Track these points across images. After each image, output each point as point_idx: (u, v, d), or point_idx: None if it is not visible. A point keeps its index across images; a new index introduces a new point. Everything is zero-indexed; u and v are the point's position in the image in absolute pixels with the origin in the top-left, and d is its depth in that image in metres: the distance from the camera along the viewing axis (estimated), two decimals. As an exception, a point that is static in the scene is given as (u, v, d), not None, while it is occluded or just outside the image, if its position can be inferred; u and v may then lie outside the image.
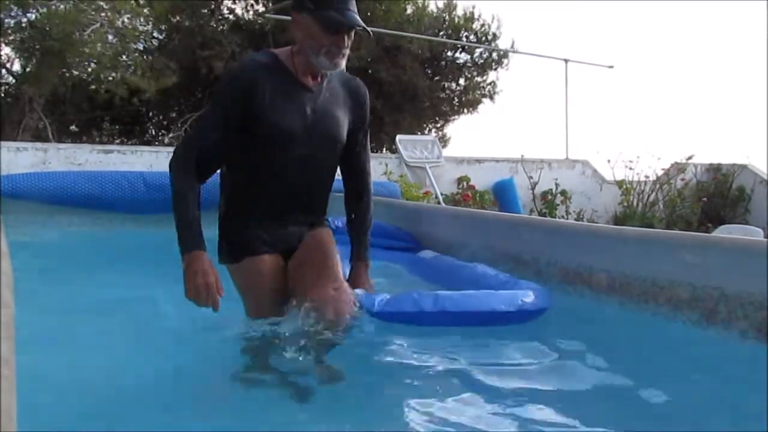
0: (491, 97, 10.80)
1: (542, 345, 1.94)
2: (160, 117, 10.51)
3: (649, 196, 7.39)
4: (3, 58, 7.94)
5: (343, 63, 1.98)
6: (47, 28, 6.89)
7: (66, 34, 6.74)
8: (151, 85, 7.61)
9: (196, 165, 1.98)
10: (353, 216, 2.22)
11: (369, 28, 2.03)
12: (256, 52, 2.19)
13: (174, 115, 10.12)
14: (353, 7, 1.95)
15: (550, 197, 6.97)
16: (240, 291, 2.06)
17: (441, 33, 10.31)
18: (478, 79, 10.79)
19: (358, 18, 1.94)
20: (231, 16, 9.65)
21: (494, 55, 10.51)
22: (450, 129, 11.78)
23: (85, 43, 7.13)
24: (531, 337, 2.00)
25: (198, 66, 8.74)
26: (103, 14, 7.24)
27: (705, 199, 7.89)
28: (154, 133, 10.60)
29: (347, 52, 1.97)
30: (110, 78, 7.74)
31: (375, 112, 10.02)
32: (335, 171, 2.19)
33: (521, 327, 2.05)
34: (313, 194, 2.13)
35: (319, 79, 2.04)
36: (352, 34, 1.97)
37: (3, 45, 7.55)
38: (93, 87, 8.12)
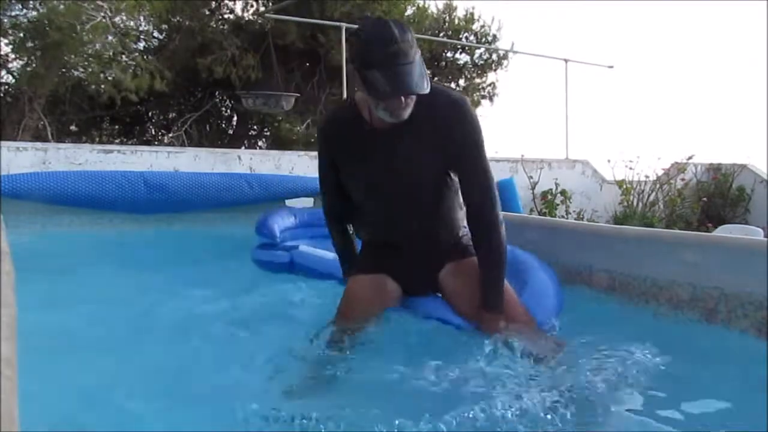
0: (490, 99, 10.80)
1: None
2: (160, 117, 10.50)
3: (649, 195, 7.39)
4: (3, 57, 7.93)
5: (407, 113, 1.75)
6: (46, 27, 6.89)
7: (66, 27, 6.73)
8: (142, 85, 7.59)
9: (335, 209, 2.16)
10: (479, 254, 1.93)
11: (417, 89, 1.67)
12: (340, 104, 2.25)
13: (174, 115, 10.11)
14: (405, 57, 1.63)
15: (550, 197, 6.96)
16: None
17: (441, 34, 10.31)
18: (478, 80, 10.78)
19: (412, 75, 1.64)
20: (231, 16, 9.65)
21: (494, 56, 10.50)
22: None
23: (85, 42, 7.13)
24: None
25: (198, 66, 8.74)
26: (102, 13, 7.24)
27: (705, 198, 7.89)
28: (153, 133, 10.59)
29: (411, 102, 1.74)
30: (110, 78, 7.74)
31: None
32: (442, 196, 1.97)
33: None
34: (421, 225, 1.99)
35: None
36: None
37: (3, 44, 7.55)
38: (93, 87, 8.11)
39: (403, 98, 1.70)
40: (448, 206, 1.99)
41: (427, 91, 1.70)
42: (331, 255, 2.52)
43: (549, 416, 1.43)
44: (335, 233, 2.19)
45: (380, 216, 2.02)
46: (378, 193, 1.96)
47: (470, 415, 1.40)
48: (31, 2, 7.09)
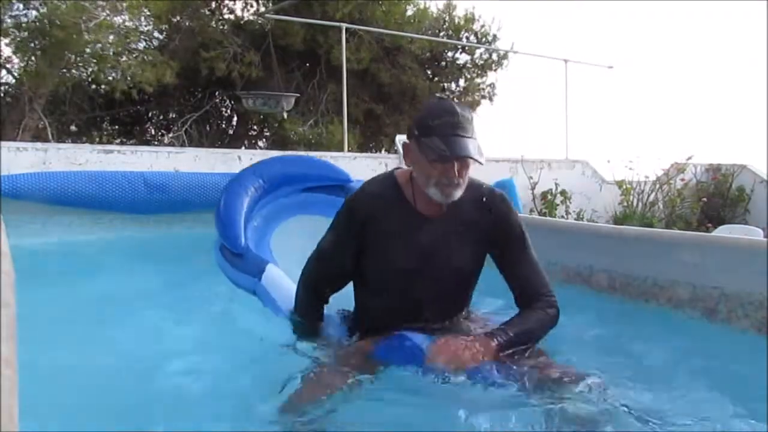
0: (490, 99, 10.80)
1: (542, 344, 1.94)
2: (160, 117, 10.51)
3: (648, 196, 7.40)
4: (3, 57, 7.94)
5: (458, 194, 1.77)
6: (48, 27, 6.89)
7: (69, 26, 6.73)
8: (150, 79, 7.59)
9: (321, 286, 1.94)
10: (533, 308, 1.82)
11: (475, 156, 1.71)
12: (376, 177, 1.95)
13: (174, 115, 10.11)
14: (464, 131, 1.70)
15: (550, 197, 6.96)
16: None
17: (441, 34, 10.31)
18: (478, 80, 10.79)
19: (469, 145, 1.69)
20: (231, 17, 9.65)
21: (494, 56, 10.51)
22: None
23: (87, 42, 7.13)
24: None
25: (199, 66, 8.74)
26: (104, 12, 7.24)
27: (705, 199, 7.90)
28: (153, 133, 10.60)
29: (462, 182, 1.76)
30: (110, 78, 7.74)
31: (374, 112, 10.03)
32: (471, 284, 1.95)
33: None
34: (441, 308, 1.90)
35: (444, 207, 1.82)
36: (469, 161, 1.74)
37: (3, 45, 7.55)
38: (94, 87, 8.12)
39: (457, 171, 1.72)
40: (470, 293, 1.99)
41: (483, 163, 1.75)
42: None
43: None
44: (308, 305, 1.96)
45: (399, 300, 1.86)
46: (409, 278, 1.83)
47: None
48: (32, 2, 7.08)
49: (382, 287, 1.87)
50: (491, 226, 1.87)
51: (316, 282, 1.94)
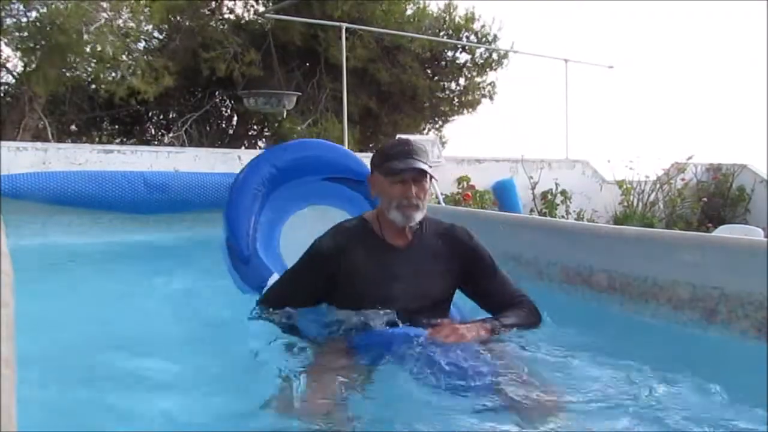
0: (491, 98, 10.80)
1: (542, 344, 1.94)
2: (160, 117, 10.51)
3: (649, 196, 7.40)
4: (3, 57, 7.94)
5: (418, 216, 1.93)
6: (48, 28, 6.89)
7: (71, 27, 6.73)
8: (150, 88, 7.60)
9: (281, 307, 1.96)
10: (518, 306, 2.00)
11: (430, 170, 1.92)
12: (346, 219, 2.12)
13: (174, 115, 10.12)
14: (416, 155, 1.91)
15: (550, 197, 6.97)
16: None
17: (441, 33, 10.31)
18: (478, 79, 10.79)
19: (421, 163, 1.89)
20: (231, 16, 9.66)
21: (494, 55, 10.51)
22: (449, 129, 11.79)
23: (87, 43, 7.13)
24: (533, 337, 1.99)
25: (199, 67, 8.74)
26: (104, 13, 7.24)
27: (705, 199, 7.90)
28: (153, 132, 10.60)
29: (420, 203, 1.92)
30: (110, 78, 7.74)
31: (374, 111, 10.03)
32: (443, 307, 2.03)
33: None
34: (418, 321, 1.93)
35: (410, 236, 1.98)
36: (424, 183, 1.92)
37: (3, 44, 7.55)
38: (94, 88, 8.12)
39: (415, 192, 1.89)
40: (445, 315, 2.03)
41: (436, 176, 1.98)
42: None
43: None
44: (278, 321, 1.95)
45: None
46: (381, 305, 1.89)
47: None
48: (33, 2, 7.08)
49: (356, 310, 1.91)
50: (462, 261, 2.01)
51: (275, 306, 1.97)
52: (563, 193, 7.01)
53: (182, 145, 8.83)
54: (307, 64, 9.80)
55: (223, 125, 10.80)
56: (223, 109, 10.65)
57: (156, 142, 10.12)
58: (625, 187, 7.32)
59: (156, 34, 9.12)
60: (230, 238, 2.44)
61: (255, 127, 10.90)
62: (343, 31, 7.18)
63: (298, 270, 1.99)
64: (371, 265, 1.93)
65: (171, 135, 9.44)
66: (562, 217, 6.87)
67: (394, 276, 1.92)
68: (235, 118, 10.74)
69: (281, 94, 7.64)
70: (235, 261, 2.43)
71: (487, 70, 10.70)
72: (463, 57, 10.70)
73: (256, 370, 1.76)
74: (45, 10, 7.04)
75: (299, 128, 9.18)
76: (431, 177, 1.94)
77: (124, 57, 7.83)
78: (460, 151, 13.29)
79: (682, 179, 7.78)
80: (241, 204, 2.49)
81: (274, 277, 2.33)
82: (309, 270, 1.96)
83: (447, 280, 2.00)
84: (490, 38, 10.32)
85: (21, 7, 7.04)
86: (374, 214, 2.02)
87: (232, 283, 2.51)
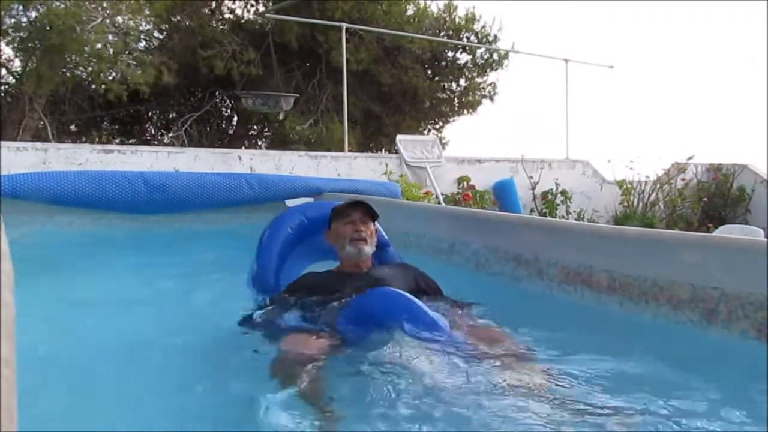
0: (491, 98, 10.80)
1: (542, 343, 1.94)
2: (160, 117, 10.51)
3: (649, 196, 7.40)
4: (3, 57, 7.94)
5: (367, 249, 2.33)
6: (48, 27, 6.89)
7: (67, 28, 6.73)
8: (150, 81, 7.59)
9: None
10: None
11: (370, 204, 2.43)
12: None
13: (174, 115, 10.12)
14: (362, 202, 2.42)
15: (550, 197, 6.97)
16: None
17: (442, 33, 10.31)
18: (478, 79, 10.78)
19: (360, 201, 2.43)
20: (231, 16, 9.65)
21: (495, 55, 10.50)
22: (450, 130, 11.79)
23: (87, 42, 7.13)
24: (531, 337, 2.00)
25: (198, 66, 8.74)
26: (103, 13, 7.24)
27: (705, 199, 7.90)
28: (153, 132, 10.60)
29: (369, 238, 2.34)
30: (110, 77, 7.74)
31: (374, 113, 10.03)
32: None
33: (521, 329, 2.05)
34: None
35: (366, 268, 2.34)
36: (370, 225, 2.38)
37: (3, 45, 7.55)
38: (94, 87, 8.11)
39: (362, 227, 2.33)
40: None
41: (378, 215, 2.44)
42: None
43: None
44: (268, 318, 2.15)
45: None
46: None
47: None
48: (32, 2, 7.08)
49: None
50: (413, 278, 2.34)
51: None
52: (563, 193, 7.01)
53: (182, 145, 8.83)
54: (307, 64, 9.80)
55: (223, 125, 10.80)
56: (223, 109, 10.65)
57: (156, 142, 10.12)
58: (625, 187, 7.32)
59: (156, 33, 9.11)
60: (259, 269, 2.59)
61: (255, 127, 10.90)
62: (344, 31, 7.18)
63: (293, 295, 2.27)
64: (335, 282, 2.24)
65: (171, 135, 9.44)
66: (563, 217, 6.87)
67: (354, 288, 2.14)
68: (235, 118, 10.74)
69: (279, 95, 7.66)
70: (258, 287, 2.55)
71: (488, 70, 10.70)
72: (463, 57, 10.70)
73: (255, 371, 1.76)
74: (44, 9, 7.04)
75: (299, 128, 9.18)
76: (375, 219, 2.40)
77: (123, 57, 7.83)
78: (461, 151, 13.30)
79: (683, 179, 7.78)
80: (274, 242, 2.69)
81: None
82: (297, 292, 2.27)
83: (402, 287, 2.12)
84: (490, 38, 10.31)
85: (20, 7, 7.04)
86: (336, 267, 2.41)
87: (232, 285, 2.59)
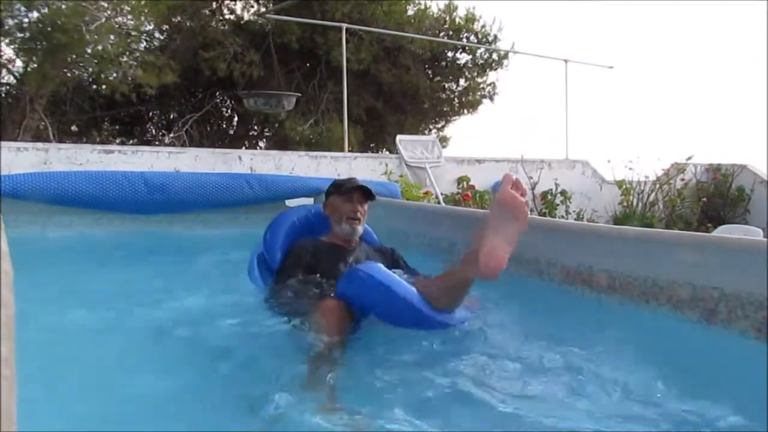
0: (491, 98, 10.80)
1: (540, 342, 1.94)
2: (161, 117, 10.51)
3: (648, 196, 7.40)
4: (4, 58, 7.94)
5: (360, 229, 2.59)
6: (49, 28, 6.89)
7: (72, 27, 6.73)
8: (153, 80, 7.60)
9: None
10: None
11: (371, 188, 2.66)
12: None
13: (174, 115, 10.12)
14: (363, 184, 2.63)
15: (550, 197, 6.97)
16: None
17: (442, 34, 10.31)
18: (479, 79, 10.79)
19: (363, 185, 2.63)
20: (232, 17, 9.65)
21: (495, 56, 10.51)
22: (450, 130, 11.80)
23: (88, 42, 7.13)
24: (531, 336, 2.00)
25: (200, 67, 8.75)
26: (105, 14, 7.24)
27: (705, 199, 7.90)
28: (154, 133, 10.60)
29: (362, 218, 2.59)
30: (111, 78, 7.74)
31: (375, 112, 10.03)
32: None
33: (521, 328, 2.05)
34: None
35: (352, 245, 2.58)
36: (365, 206, 2.62)
37: (4, 45, 7.55)
38: (94, 87, 8.11)
39: (357, 205, 2.57)
40: None
41: (374, 196, 2.67)
42: None
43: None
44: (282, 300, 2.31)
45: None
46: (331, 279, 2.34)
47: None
48: (34, 2, 7.08)
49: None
50: (388, 260, 2.58)
51: (283, 279, 2.47)
52: (563, 193, 7.01)
53: (183, 145, 8.83)
54: (308, 64, 9.81)
55: (224, 126, 10.80)
56: (224, 109, 10.65)
57: (156, 143, 10.12)
58: (624, 187, 7.32)
59: (157, 34, 9.12)
60: (265, 251, 2.74)
61: (256, 127, 10.90)
62: (344, 31, 7.19)
63: (289, 257, 2.54)
64: (325, 252, 2.51)
65: (171, 135, 9.44)
66: (562, 217, 6.87)
67: (343, 261, 2.45)
68: (236, 119, 10.74)
69: (280, 94, 7.66)
70: (263, 269, 2.69)
71: (488, 70, 10.70)
72: (463, 57, 10.71)
73: (259, 370, 1.76)
74: (46, 10, 7.04)
75: (299, 128, 9.18)
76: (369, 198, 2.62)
77: (125, 57, 7.84)
78: (461, 151, 13.30)
79: (682, 179, 7.78)
80: (279, 229, 2.84)
81: None
82: (293, 254, 2.53)
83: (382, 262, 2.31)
84: (490, 39, 10.32)
85: (22, 7, 7.04)
86: (325, 237, 2.64)
87: (232, 287, 2.60)
